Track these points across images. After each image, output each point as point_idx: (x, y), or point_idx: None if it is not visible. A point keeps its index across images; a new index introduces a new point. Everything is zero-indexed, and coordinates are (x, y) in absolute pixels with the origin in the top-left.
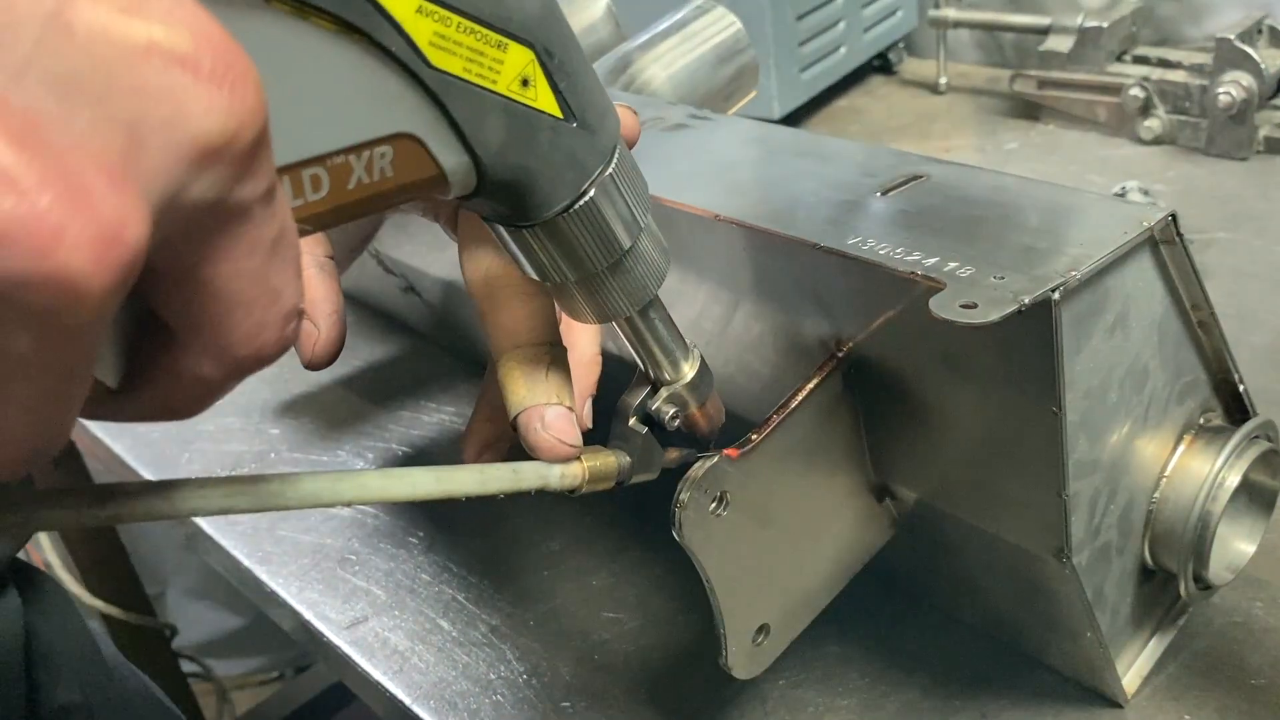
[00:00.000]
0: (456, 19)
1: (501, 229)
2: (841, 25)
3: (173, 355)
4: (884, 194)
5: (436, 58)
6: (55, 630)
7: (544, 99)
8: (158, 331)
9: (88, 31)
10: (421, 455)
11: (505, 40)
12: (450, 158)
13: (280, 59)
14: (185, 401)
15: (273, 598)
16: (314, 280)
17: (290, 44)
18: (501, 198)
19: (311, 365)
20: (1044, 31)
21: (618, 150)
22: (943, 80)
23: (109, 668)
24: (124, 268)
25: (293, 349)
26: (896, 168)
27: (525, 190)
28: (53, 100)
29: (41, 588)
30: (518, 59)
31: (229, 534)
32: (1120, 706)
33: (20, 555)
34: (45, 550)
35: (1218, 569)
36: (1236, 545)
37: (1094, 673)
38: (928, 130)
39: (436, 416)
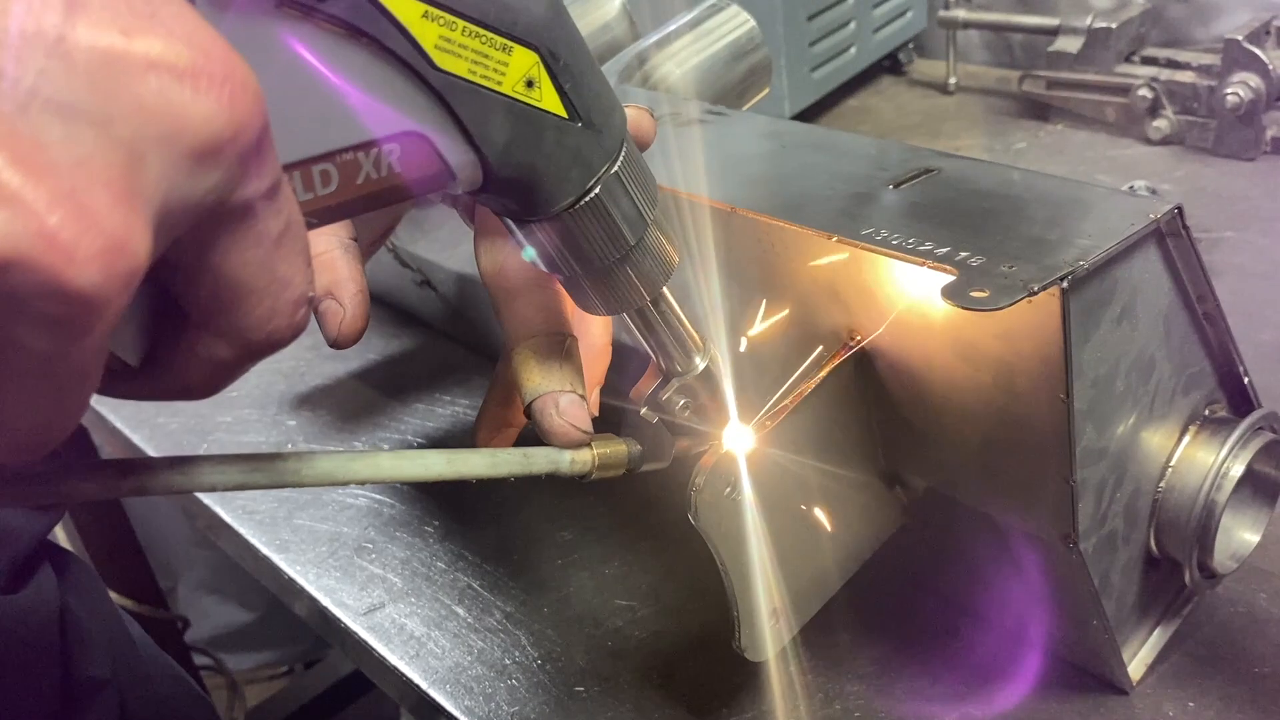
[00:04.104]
0: (461, 23)
1: (511, 222)
2: (852, 25)
3: (190, 337)
4: (896, 187)
5: (442, 60)
6: (86, 609)
7: (549, 99)
8: (177, 314)
9: (89, 56)
10: (436, 447)
11: (510, 43)
12: (456, 155)
13: (290, 61)
14: (202, 381)
15: (290, 585)
16: (338, 260)
17: (299, 47)
18: (508, 193)
19: (337, 343)
20: (1053, 32)
21: (624, 148)
22: (952, 80)
23: (136, 647)
24: (128, 277)
25: (318, 330)
26: (908, 162)
27: (531, 186)
28: (58, 125)
29: (73, 569)
30: (522, 61)
31: (247, 522)
32: (1126, 693)
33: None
34: (60, 541)
35: (1222, 558)
36: (1241, 535)
37: (1100, 660)
38: (937, 130)
39: (450, 409)
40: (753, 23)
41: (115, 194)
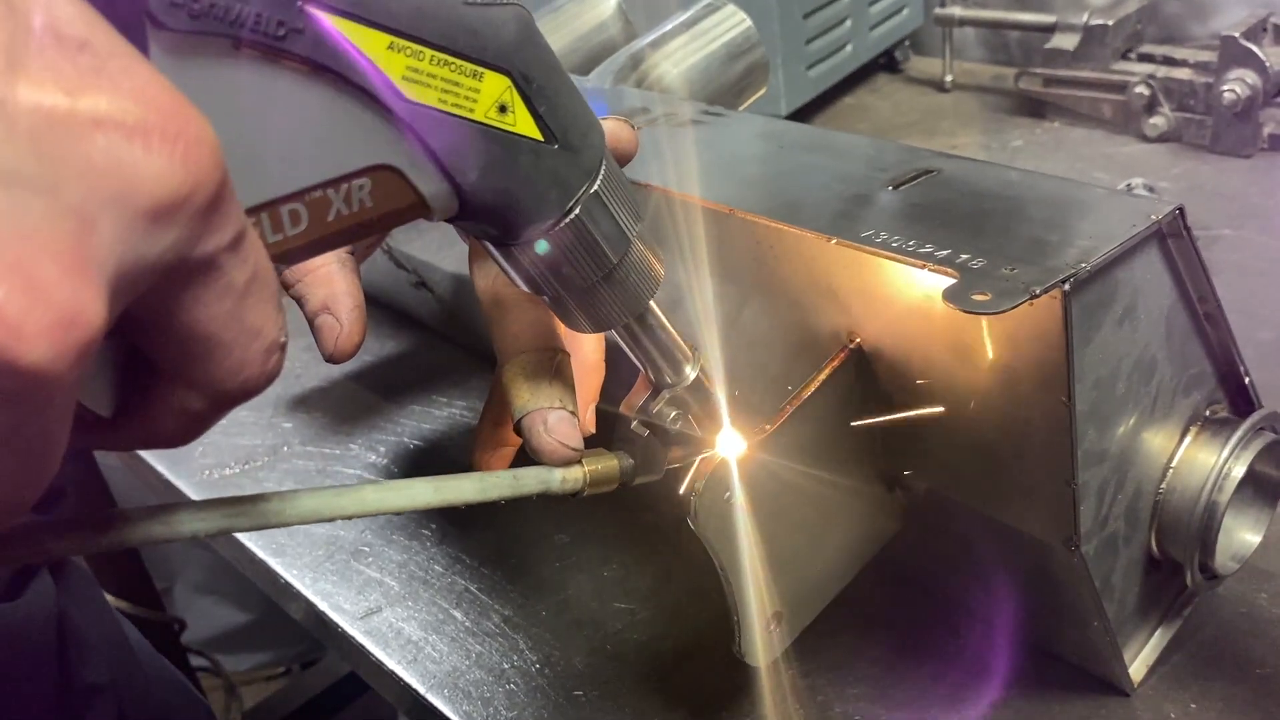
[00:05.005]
0: (430, 52)
1: (491, 246)
2: (848, 23)
3: (161, 389)
4: (895, 188)
5: (411, 91)
6: (84, 615)
7: (523, 123)
8: (148, 365)
9: (32, 118)
10: (432, 449)
11: (480, 69)
12: (429, 185)
13: (253, 102)
14: (176, 432)
15: (287, 589)
16: (335, 275)
17: (262, 87)
18: (486, 219)
19: (334, 358)
20: (1049, 29)
21: (603, 166)
22: (948, 78)
23: (134, 652)
24: (82, 350)
25: (316, 341)
26: (907, 162)
27: (509, 211)
28: (1, 194)
29: (71, 575)
30: (494, 86)
31: None
32: (1127, 695)
33: None
34: None
35: (1224, 559)
36: (1242, 535)
37: (1101, 661)
38: (934, 128)
39: (447, 410)
40: (749, 22)
41: (65, 264)
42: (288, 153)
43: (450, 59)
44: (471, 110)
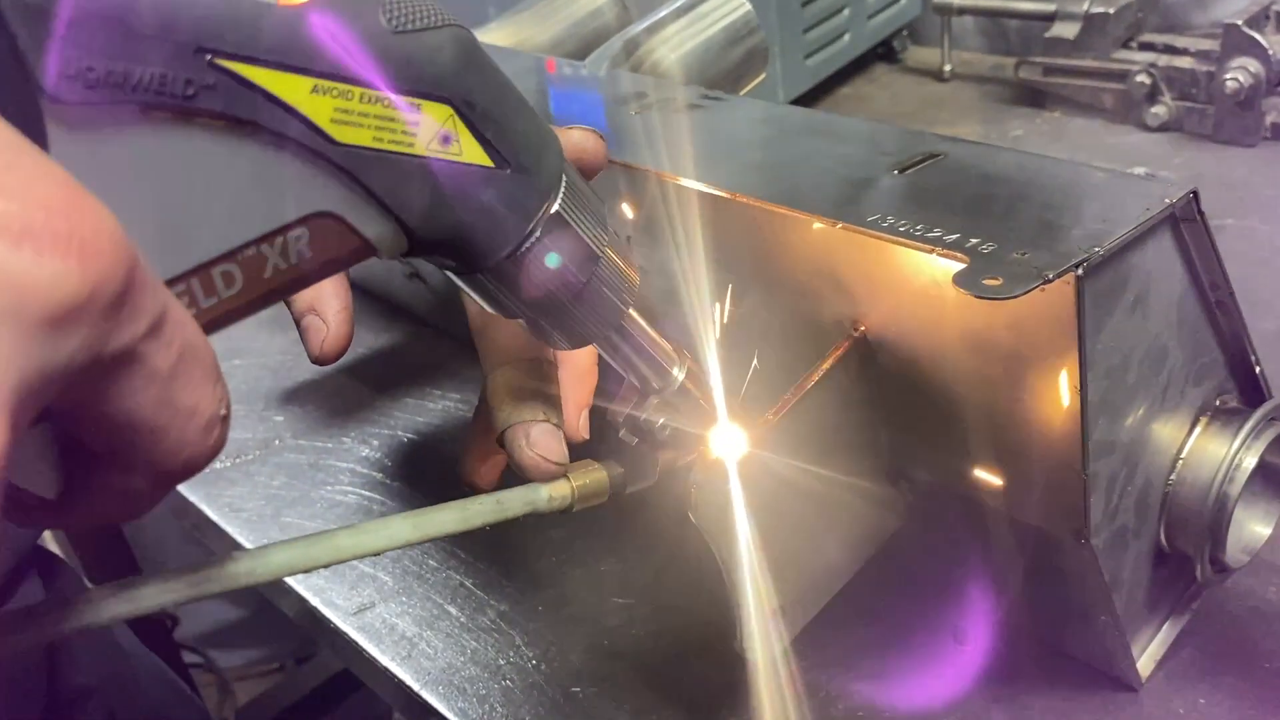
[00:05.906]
0: (359, 90)
1: (453, 276)
2: (846, 12)
3: (103, 471)
4: (900, 172)
5: (341, 134)
6: None
7: (470, 151)
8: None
9: None
10: (426, 442)
11: (417, 101)
12: (373, 228)
13: (169, 167)
14: (122, 511)
15: (278, 584)
16: None
17: (176, 150)
18: (441, 252)
19: (319, 360)
20: (1049, 18)
21: (563, 183)
22: (947, 68)
23: (124, 653)
24: None
25: (302, 342)
26: (911, 146)
27: (464, 243)
28: None
29: (61, 577)
30: (434, 117)
31: (234, 521)
32: (1135, 690)
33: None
34: (47, 540)
35: (1234, 551)
36: (1252, 528)
37: (1109, 657)
38: (932, 118)
39: (441, 403)
40: (749, 6)
41: None
42: (213, 213)
43: (382, 94)
44: (411, 145)
